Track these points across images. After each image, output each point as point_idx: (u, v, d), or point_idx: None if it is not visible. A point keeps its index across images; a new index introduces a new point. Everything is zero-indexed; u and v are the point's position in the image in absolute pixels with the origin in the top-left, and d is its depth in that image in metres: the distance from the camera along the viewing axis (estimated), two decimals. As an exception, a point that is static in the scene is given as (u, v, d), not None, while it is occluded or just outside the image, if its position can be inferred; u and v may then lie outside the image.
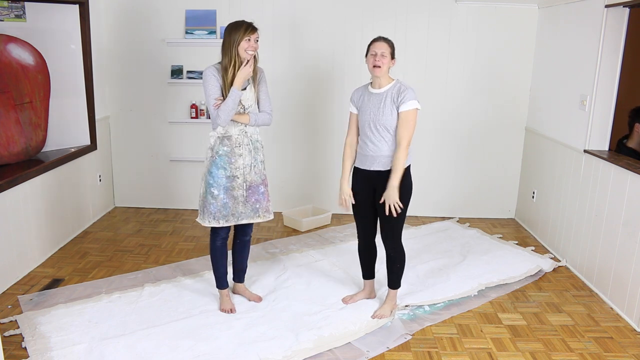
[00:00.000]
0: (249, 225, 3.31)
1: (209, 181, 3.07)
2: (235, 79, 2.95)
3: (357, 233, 3.31)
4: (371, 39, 3.06)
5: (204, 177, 3.11)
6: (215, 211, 3.07)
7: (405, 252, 3.21)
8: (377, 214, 3.16)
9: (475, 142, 4.97)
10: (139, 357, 2.77)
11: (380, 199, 3.04)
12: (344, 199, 3.16)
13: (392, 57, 3.02)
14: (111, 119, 5.08)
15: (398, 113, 2.95)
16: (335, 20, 4.79)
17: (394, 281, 3.21)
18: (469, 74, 4.85)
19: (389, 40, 3.03)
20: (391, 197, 2.95)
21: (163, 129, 5.06)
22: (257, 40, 3.00)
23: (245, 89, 3.03)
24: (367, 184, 3.11)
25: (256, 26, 3.00)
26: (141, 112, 5.04)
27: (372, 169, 3.06)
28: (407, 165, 3.05)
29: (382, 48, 2.97)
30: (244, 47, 2.94)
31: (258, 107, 3.15)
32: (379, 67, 2.96)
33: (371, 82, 3.09)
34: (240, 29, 2.95)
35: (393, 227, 3.08)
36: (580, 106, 3.91)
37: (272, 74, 4.78)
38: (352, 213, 3.28)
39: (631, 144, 3.88)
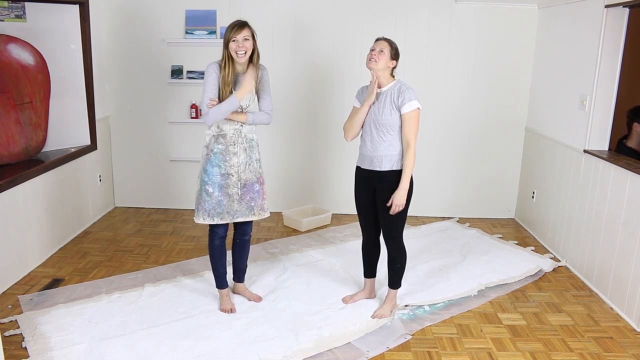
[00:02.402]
0: (248, 225, 3.31)
1: (203, 179, 3.08)
2: (240, 90, 2.96)
3: (362, 231, 3.32)
4: (372, 39, 3.08)
5: (199, 175, 3.13)
6: (210, 208, 3.08)
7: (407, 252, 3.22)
8: (376, 209, 3.16)
9: (475, 142, 4.97)
10: (139, 357, 2.77)
11: (379, 198, 3.05)
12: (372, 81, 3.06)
13: (393, 57, 3.03)
14: (111, 119, 5.08)
15: (400, 114, 2.96)
16: (335, 20, 4.79)
17: (395, 281, 3.21)
18: (469, 74, 4.85)
19: (391, 41, 3.05)
20: (399, 198, 2.96)
21: (163, 129, 5.06)
22: (247, 39, 2.94)
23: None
24: (367, 184, 3.12)
25: (245, 24, 2.95)
26: (141, 112, 5.04)
27: (369, 168, 3.07)
28: None
29: (380, 45, 3.00)
30: (233, 48, 2.94)
31: (258, 105, 3.15)
32: (374, 62, 2.97)
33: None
34: (228, 28, 2.94)
35: (393, 227, 3.09)
36: (580, 106, 3.91)
37: (272, 73, 4.74)
38: (352, 213, 3.29)
39: (630, 143, 3.89)
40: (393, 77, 3.07)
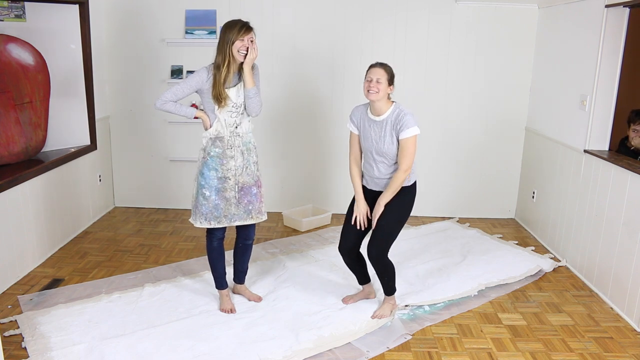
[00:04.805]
0: (251, 229, 3.29)
1: (200, 182, 3.07)
2: (204, 116, 3.03)
3: (340, 244, 3.20)
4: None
5: (196, 178, 3.12)
6: (207, 212, 3.07)
7: (398, 259, 3.18)
8: (368, 229, 3.12)
9: (475, 142, 4.97)
10: (139, 357, 2.77)
11: (379, 206, 3.04)
12: (361, 218, 3.08)
13: (390, 83, 2.96)
14: (111, 119, 5.08)
15: (398, 141, 2.94)
16: (335, 20, 4.79)
17: (388, 289, 3.20)
18: (469, 74, 4.84)
19: (387, 66, 2.97)
20: (377, 214, 2.98)
21: (163, 129, 5.06)
22: (252, 40, 2.96)
23: (236, 85, 3.02)
24: (369, 200, 3.11)
25: (252, 26, 2.97)
26: (141, 112, 5.04)
27: (376, 189, 3.08)
28: (413, 182, 3.06)
29: (377, 74, 2.92)
30: (237, 46, 2.93)
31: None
32: (374, 92, 2.92)
33: (370, 106, 3.04)
34: (235, 28, 2.93)
35: (383, 239, 3.03)
36: (580, 106, 3.91)
37: (271, 74, 4.80)
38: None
39: (630, 144, 3.90)
40: (391, 101, 3.01)
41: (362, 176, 3.18)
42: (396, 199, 3.00)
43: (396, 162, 3.00)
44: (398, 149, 2.96)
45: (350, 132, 3.18)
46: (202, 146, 3.08)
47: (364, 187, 3.15)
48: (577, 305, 3.48)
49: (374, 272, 3.38)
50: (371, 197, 3.12)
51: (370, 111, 3.04)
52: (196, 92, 3.04)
